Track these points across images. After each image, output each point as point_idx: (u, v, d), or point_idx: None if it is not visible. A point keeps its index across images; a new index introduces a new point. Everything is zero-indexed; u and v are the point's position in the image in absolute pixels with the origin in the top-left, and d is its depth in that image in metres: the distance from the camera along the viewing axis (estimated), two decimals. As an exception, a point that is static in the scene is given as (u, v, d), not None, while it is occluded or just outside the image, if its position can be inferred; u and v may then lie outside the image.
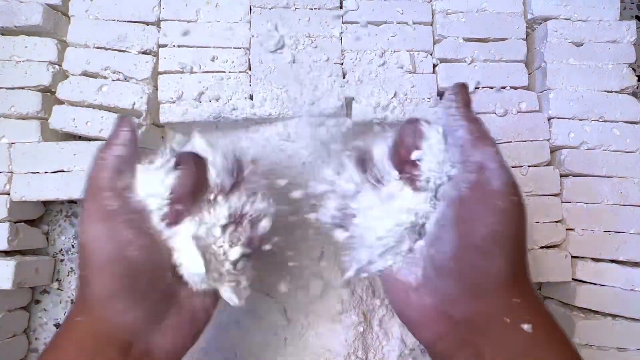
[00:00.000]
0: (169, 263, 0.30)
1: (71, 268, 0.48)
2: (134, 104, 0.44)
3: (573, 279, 0.44)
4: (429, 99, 0.46)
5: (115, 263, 0.28)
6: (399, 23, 0.48)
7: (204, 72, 0.46)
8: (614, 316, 0.43)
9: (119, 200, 0.29)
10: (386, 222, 0.31)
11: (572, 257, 0.45)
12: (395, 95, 0.46)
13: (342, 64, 0.47)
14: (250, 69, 0.46)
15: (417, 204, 0.30)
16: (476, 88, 0.47)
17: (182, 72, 0.46)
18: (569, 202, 0.45)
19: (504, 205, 0.27)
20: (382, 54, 0.47)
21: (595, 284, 0.43)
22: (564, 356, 0.28)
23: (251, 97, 0.45)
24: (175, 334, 0.30)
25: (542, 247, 0.45)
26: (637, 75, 0.48)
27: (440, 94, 0.47)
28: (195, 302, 0.31)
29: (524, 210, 0.28)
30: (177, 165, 0.31)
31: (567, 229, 0.45)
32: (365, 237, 0.32)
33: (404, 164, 0.31)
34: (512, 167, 0.46)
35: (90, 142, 0.44)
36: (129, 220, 0.29)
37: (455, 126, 0.30)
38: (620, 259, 0.44)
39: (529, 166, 0.45)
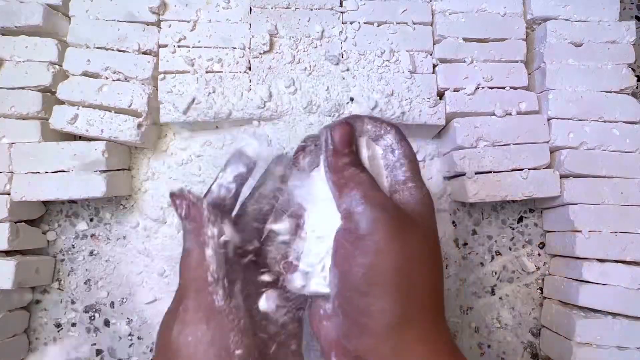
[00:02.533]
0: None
1: (71, 268, 0.48)
2: (134, 104, 0.44)
3: (576, 279, 0.44)
4: (429, 99, 0.46)
5: None
6: (399, 23, 0.48)
7: (204, 72, 0.46)
8: (614, 315, 0.43)
9: (225, 293, 0.28)
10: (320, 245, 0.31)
11: (578, 258, 0.45)
12: (394, 95, 0.46)
13: (342, 63, 0.47)
14: (250, 69, 0.47)
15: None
16: (476, 89, 0.47)
17: (182, 72, 0.46)
18: (575, 204, 0.45)
19: (374, 246, 0.27)
20: (382, 54, 0.47)
21: (599, 284, 0.43)
22: None
23: (251, 97, 0.45)
24: None
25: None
26: (636, 76, 0.48)
27: (440, 94, 0.48)
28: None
29: (406, 247, 0.27)
30: None
31: (574, 231, 0.45)
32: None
33: None
34: (512, 170, 0.46)
35: (91, 142, 0.44)
36: (236, 318, 0.28)
37: (326, 172, 0.31)
38: (627, 259, 0.44)
39: (529, 169, 0.46)
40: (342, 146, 0.30)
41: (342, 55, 0.47)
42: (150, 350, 0.47)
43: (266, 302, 0.31)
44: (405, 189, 0.30)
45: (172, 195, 0.30)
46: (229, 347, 0.27)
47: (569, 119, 0.46)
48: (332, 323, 0.30)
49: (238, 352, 0.27)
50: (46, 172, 0.43)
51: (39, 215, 0.47)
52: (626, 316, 0.43)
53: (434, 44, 0.48)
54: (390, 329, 0.26)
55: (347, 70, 0.47)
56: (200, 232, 0.29)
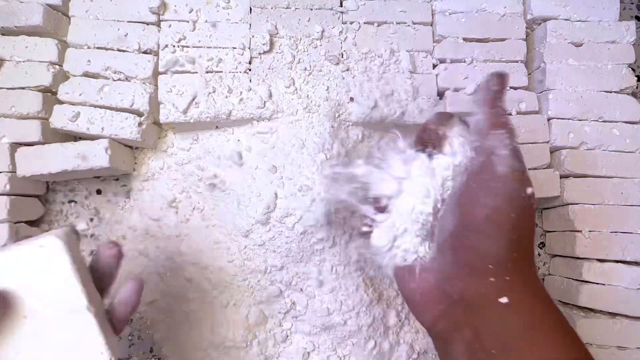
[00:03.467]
0: None
1: (71, 268, 0.48)
2: (136, 103, 0.44)
3: (576, 279, 0.44)
4: (429, 99, 0.46)
5: None
6: (399, 23, 0.48)
7: (204, 72, 0.46)
8: (614, 315, 0.43)
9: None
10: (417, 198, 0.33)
11: (578, 258, 0.45)
12: (394, 95, 0.46)
13: (342, 63, 0.47)
14: (250, 69, 0.47)
15: (442, 171, 0.33)
16: (476, 89, 0.47)
17: (182, 72, 0.46)
18: (576, 204, 0.45)
19: (506, 190, 0.28)
20: (382, 54, 0.47)
21: (599, 284, 0.43)
22: (563, 341, 0.28)
23: (251, 97, 0.45)
24: None
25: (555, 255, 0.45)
26: (636, 76, 0.48)
27: (440, 94, 0.48)
28: None
29: (529, 198, 0.29)
30: None
31: (574, 231, 0.45)
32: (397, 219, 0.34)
33: (429, 145, 0.34)
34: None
35: (93, 141, 0.44)
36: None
37: (477, 112, 0.31)
38: (628, 259, 0.44)
39: (529, 169, 0.45)
40: (501, 89, 0.31)
41: (342, 55, 0.47)
42: (151, 351, 0.47)
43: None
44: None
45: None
46: None
47: (569, 119, 0.46)
48: (430, 272, 0.32)
49: None
50: (50, 173, 0.43)
51: (39, 216, 0.47)
52: (626, 316, 0.43)
53: (434, 44, 0.48)
54: (500, 269, 0.28)
55: (347, 70, 0.47)
56: None
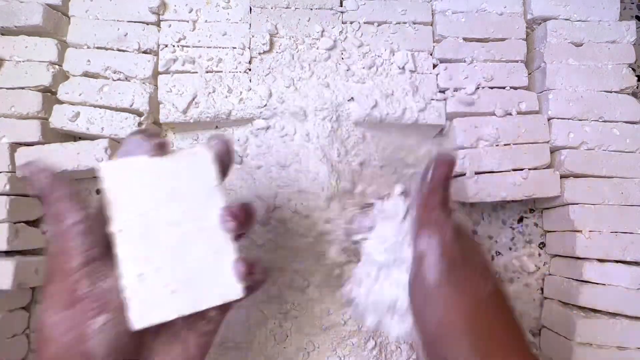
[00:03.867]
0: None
1: (71, 268, 0.48)
2: (136, 103, 0.44)
3: (576, 279, 0.44)
4: (432, 100, 0.46)
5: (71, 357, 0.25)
6: (399, 23, 0.48)
7: (204, 72, 0.46)
8: (614, 315, 0.43)
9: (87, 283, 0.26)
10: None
11: (579, 258, 0.44)
12: (395, 94, 0.46)
13: (342, 63, 0.47)
14: (250, 69, 0.46)
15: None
16: (476, 88, 0.47)
17: (182, 72, 0.46)
18: (576, 204, 0.45)
19: (442, 300, 0.28)
20: (382, 53, 0.47)
21: (600, 284, 0.43)
22: None
23: (251, 97, 0.45)
24: None
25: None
26: (637, 75, 0.48)
27: (442, 91, 0.47)
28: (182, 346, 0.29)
29: (474, 296, 0.28)
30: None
31: (574, 231, 0.45)
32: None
33: None
34: (512, 170, 0.46)
35: (93, 141, 0.44)
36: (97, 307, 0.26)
37: (414, 205, 0.31)
38: (628, 259, 0.44)
39: (529, 169, 0.45)
40: (441, 184, 0.30)
41: (342, 55, 0.47)
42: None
43: None
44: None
45: (24, 166, 0.27)
46: (86, 334, 0.25)
47: (569, 118, 0.46)
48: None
49: (95, 339, 0.25)
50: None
51: (39, 216, 0.47)
52: (627, 316, 0.43)
53: (434, 44, 0.48)
54: None
55: (348, 70, 0.47)
56: (61, 214, 0.26)
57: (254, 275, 0.28)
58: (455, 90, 0.47)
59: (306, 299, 0.45)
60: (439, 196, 0.30)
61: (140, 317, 0.26)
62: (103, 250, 0.27)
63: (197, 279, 0.28)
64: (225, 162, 0.30)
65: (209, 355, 0.45)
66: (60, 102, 0.45)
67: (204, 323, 0.29)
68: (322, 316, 0.45)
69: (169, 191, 0.28)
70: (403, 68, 0.47)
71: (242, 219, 0.28)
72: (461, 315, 0.27)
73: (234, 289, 0.28)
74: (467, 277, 0.28)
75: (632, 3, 0.57)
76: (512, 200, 0.48)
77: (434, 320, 0.28)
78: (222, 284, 0.28)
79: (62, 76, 0.46)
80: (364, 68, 0.47)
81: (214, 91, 0.45)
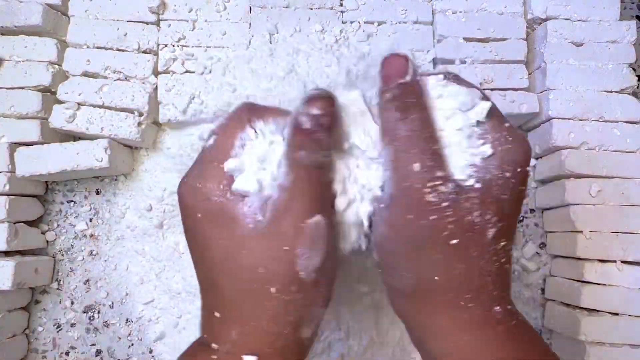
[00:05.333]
0: None
1: (70, 268, 0.48)
2: (136, 103, 0.44)
3: (578, 280, 0.44)
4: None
5: None
6: (399, 23, 0.48)
7: (204, 72, 0.46)
8: (616, 315, 0.43)
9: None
10: None
11: (579, 259, 0.44)
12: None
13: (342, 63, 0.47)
14: (251, 70, 0.46)
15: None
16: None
17: (182, 72, 0.46)
18: (576, 205, 0.45)
19: (389, 219, 0.26)
20: (382, 53, 0.47)
21: (600, 284, 0.43)
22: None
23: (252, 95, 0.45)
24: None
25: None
26: (637, 75, 0.48)
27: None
28: None
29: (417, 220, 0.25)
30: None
31: (574, 232, 0.45)
32: None
33: None
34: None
35: (92, 141, 0.44)
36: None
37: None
38: (629, 259, 0.43)
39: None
40: (390, 81, 0.27)
41: (342, 55, 0.47)
42: (150, 352, 0.47)
43: None
44: None
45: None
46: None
47: (569, 118, 0.46)
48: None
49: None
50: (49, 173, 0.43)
51: (38, 216, 0.47)
52: (629, 316, 0.43)
53: (434, 44, 0.48)
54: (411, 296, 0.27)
55: (347, 69, 0.47)
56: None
57: None
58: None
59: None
60: (389, 92, 0.27)
61: None
62: None
63: None
64: None
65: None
66: (60, 102, 0.45)
67: None
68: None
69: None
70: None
71: None
72: (403, 238, 0.26)
73: None
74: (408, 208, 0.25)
75: (633, 3, 0.57)
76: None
77: (385, 239, 0.26)
78: None
79: (62, 76, 0.46)
80: (363, 68, 0.47)
81: (214, 90, 0.45)
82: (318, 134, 0.24)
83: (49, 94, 0.45)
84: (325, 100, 0.25)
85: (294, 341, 0.26)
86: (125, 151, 0.47)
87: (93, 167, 0.43)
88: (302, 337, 0.27)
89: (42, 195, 0.48)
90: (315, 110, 0.24)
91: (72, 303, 0.47)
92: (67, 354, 0.47)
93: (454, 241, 0.25)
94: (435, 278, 0.26)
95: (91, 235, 0.48)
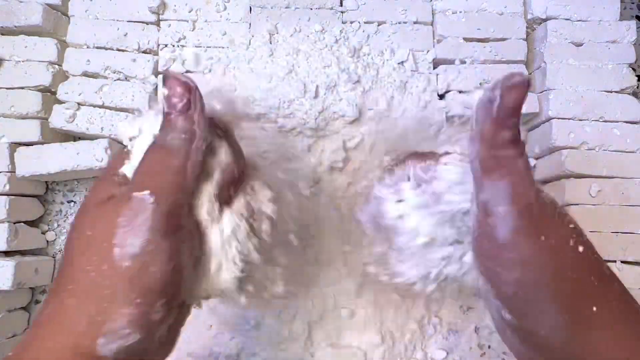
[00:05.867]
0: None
1: (71, 268, 0.48)
2: (136, 103, 0.44)
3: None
4: (431, 100, 0.46)
5: None
6: (399, 23, 0.48)
7: (204, 72, 0.46)
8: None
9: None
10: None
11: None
12: (395, 94, 0.46)
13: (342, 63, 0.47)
14: (251, 69, 0.46)
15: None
16: (477, 88, 0.46)
17: (182, 72, 0.46)
18: (576, 205, 0.45)
19: (518, 258, 0.23)
20: (382, 53, 0.47)
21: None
22: None
23: (251, 96, 0.45)
24: None
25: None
26: (637, 75, 0.48)
27: (441, 95, 0.47)
28: None
29: (554, 252, 0.23)
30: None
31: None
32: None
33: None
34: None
35: (93, 141, 0.44)
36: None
37: (472, 144, 0.24)
38: (629, 259, 0.43)
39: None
40: (511, 114, 0.23)
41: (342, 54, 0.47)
42: (150, 351, 0.47)
43: None
44: None
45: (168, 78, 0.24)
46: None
47: (569, 118, 0.46)
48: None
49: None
50: (49, 173, 0.43)
51: (38, 216, 0.47)
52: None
53: (434, 44, 0.48)
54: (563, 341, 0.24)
55: (347, 69, 0.47)
56: (194, 135, 0.25)
57: None
58: (456, 90, 0.47)
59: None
60: (508, 130, 0.23)
61: None
62: None
63: None
64: None
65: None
66: (60, 102, 0.45)
67: None
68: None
69: None
70: (403, 68, 0.47)
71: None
72: (545, 273, 0.23)
73: None
74: (547, 226, 0.23)
75: (632, 3, 0.57)
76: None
77: (511, 279, 0.23)
78: None
79: (61, 76, 0.46)
80: (363, 68, 0.47)
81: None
82: (171, 116, 0.24)
83: (49, 94, 0.45)
84: (174, 80, 0.24)
85: None
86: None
87: (93, 167, 0.43)
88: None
89: (42, 195, 0.48)
90: (166, 91, 0.24)
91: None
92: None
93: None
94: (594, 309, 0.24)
95: (91, 235, 0.48)
